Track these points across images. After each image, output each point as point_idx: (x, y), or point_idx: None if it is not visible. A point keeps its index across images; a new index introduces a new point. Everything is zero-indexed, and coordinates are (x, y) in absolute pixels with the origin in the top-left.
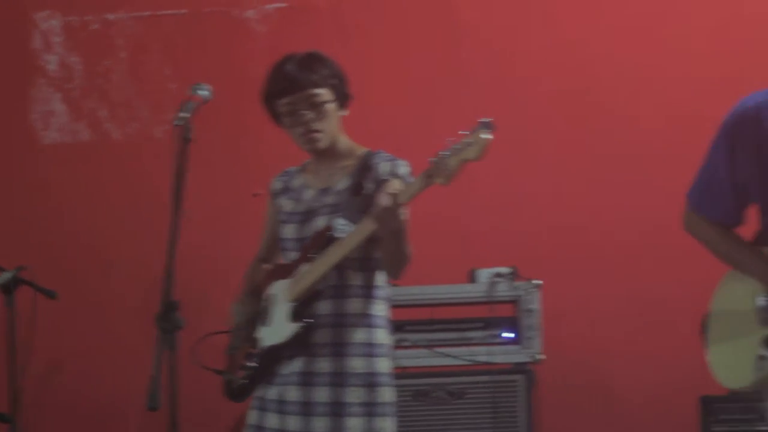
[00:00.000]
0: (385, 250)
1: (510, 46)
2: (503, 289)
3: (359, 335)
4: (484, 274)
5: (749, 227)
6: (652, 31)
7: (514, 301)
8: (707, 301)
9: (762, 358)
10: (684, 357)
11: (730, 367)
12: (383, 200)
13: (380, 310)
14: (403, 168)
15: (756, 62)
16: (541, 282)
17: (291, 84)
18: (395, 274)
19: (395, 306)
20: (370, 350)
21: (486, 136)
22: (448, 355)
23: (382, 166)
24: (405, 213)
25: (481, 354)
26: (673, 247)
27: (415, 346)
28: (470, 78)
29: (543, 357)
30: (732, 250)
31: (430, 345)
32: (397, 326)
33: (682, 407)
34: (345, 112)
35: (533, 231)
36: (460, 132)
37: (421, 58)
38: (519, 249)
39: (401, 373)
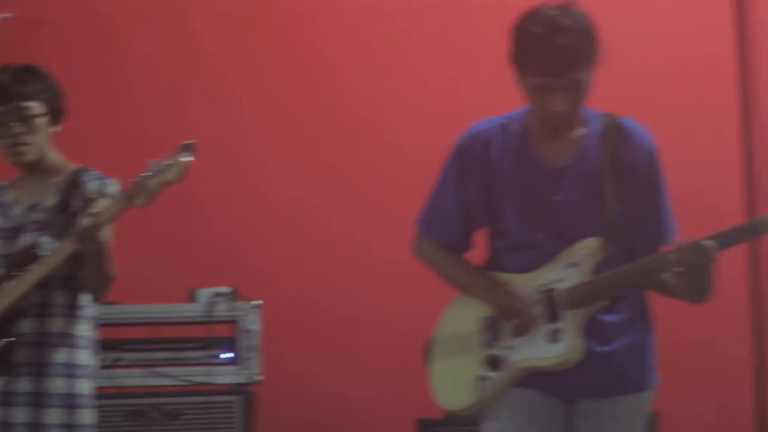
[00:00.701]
0: (88, 270)
1: (243, 64)
2: (222, 309)
3: (60, 355)
4: (204, 293)
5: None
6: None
7: (233, 322)
8: (428, 323)
9: (482, 378)
10: (402, 379)
11: (451, 388)
12: (83, 220)
13: (84, 330)
14: (112, 187)
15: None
16: (260, 302)
17: (1, 95)
18: (98, 295)
19: (114, 325)
20: (71, 371)
21: (186, 158)
22: (165, 375)
23: (91, 185)
24: (106, 234)
25: (199, 374)
26: (394, 268)
27: (131, 365)
28: (199, 95)
29: (261, 378)
30: (459, 274)
31: (147, 364)
32: (114, 345)
33: (400, 429)
34: (57, 128)
35: (253, 251)
36: (165, 154)
37: (151, 75)
38: (239, 269)
39: (117, 393)
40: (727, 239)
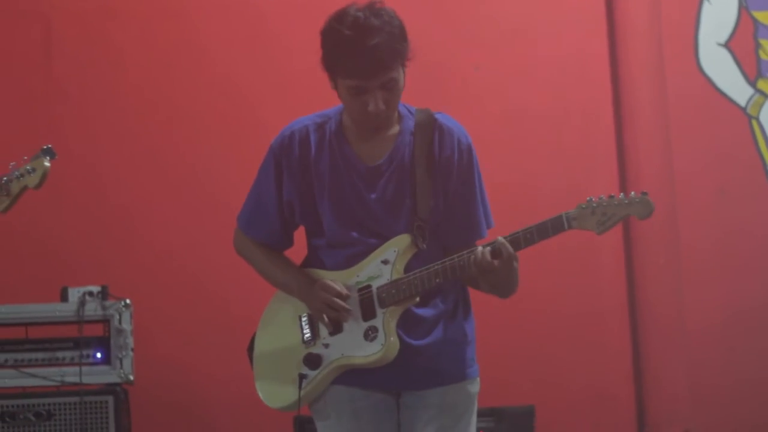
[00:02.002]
0: None
1: (105, 60)
2: (93, 308)
3: None
4: (76, 292)
5: None
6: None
7: (104, 321)
8: None
9: (302, 376)
10: None
11: (274, 386)
12: None
13: None
14: None
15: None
16: (130, 301)
17: None
18: None
19: None
20: None
21: (46, 164)
22: (35, 376)
23: None
24: None
25: (71, 374)
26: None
27: (2, 366)
28: (64, 91)
29: (133, 378)
30: (277, 272)
31: (17, 365)
32: None
33: (278, 425)
34: None
35: (125, 249)
36: (24, 158)
37: (14, 71)
38: (110, 267)
39: None
40: (529, 236)
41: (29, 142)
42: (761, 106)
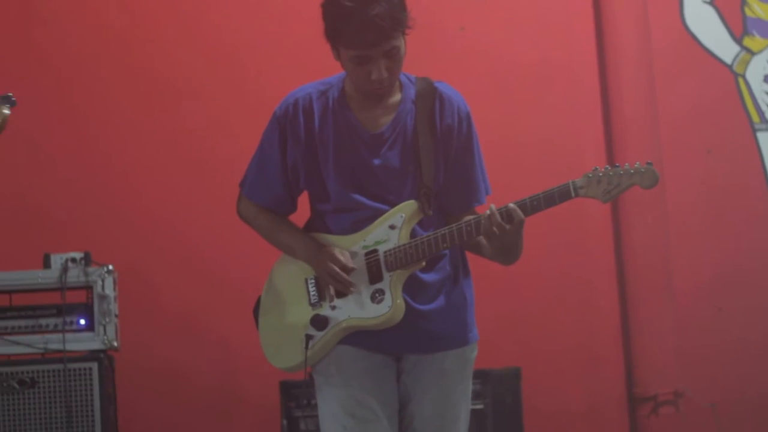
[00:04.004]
0: None
1: (88, 22)
2: (76, 275)
3: None
4: (58, 259)
5: None
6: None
7: (87, 287)
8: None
9: (309, 337)
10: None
11: (280, 346)
12: None
13: None
14: None
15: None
16: (112, 267)
17: None
18: None
19: None
20: None
21: (6, 111)
22: (19, 343)
23: None
24: None
25: (55, 342)
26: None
27: None
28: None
29: (117, 344)
30: (283, 236)
31: (1, 333)
32: None
33: (262, 391)
34: None
35: (107, 215)
36: None
37: None
38: (93, 233)
39: None
40: (536, 203)
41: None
42: (747, 63)
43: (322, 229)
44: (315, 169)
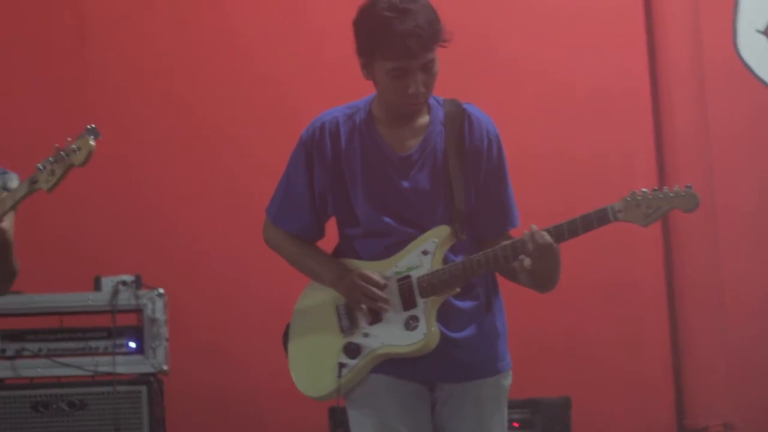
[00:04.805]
0: None
1: (138, 47)
2: (126, 298)
3: None
4: (109, 282)
5: None
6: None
7: (138, 310)
8: None
9: (341, 365)
10: None
11: (311, 375)
12: None
13: None
14: (14, 182)
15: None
16: (163, 291)
17: None
18: (2, 289)
19: (17, 315)
20: None
21: (92, 143)
22: (69, 365)
23: None
24: (8, 224)
25: (105, 364)
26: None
27: (35, 356)
28: (99, 80)
29: (167, 368)
30: (311, 263)
31: (50, 354)
32: (17, 336)
33: (313, 416)
34: None
35: (158, 239)
36: (68, 138)
37: (49, 59)
38: (144, 257)
39: (21, 384)
40: (573, 228)
41: (64, 128)
42: None
43: (350, 254)
44: (343, 193)
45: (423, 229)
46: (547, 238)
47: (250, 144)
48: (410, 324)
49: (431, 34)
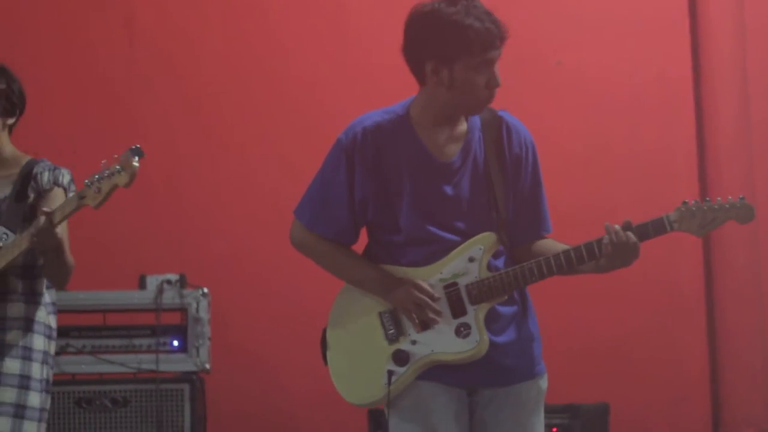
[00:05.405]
0: (47, 262)
1: (185, 51)
2: (171, 297)
3: (17, 339)
4: (154, 280)
5: None
6: None
7: (182, 309)
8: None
9: (390, 372)
10: None
11: (358, 382)
12: (38, 221)
13: (41, 316)
14: (65, 177)
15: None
16: (208, 290)
17: None
18: (59, 284)
19: (63, 311)
20: (27, 354)
21: (135, 164)
22: (113, 362)
23: (45, 176)
24: (61, 230)
25: (148, 362)
26: None
27: (80, 352)
28: (146, 83)
29: (210, 366)
30: (351, 268)
31: (94, 351)
32: (63, 332)
33: (353, 418)
34: (11, 121)
35: (202, 239)
36: (114, 156)
37: (97, 62)
38: (188, 256)
39: (65, 380)
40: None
41: (112, 132)
42: None
43: (387, 260)
44: (386, 200)
45: (465, 237)
46: (632, 237)
47: (297, 148)
48: (461, 331)
49: (504, 26)
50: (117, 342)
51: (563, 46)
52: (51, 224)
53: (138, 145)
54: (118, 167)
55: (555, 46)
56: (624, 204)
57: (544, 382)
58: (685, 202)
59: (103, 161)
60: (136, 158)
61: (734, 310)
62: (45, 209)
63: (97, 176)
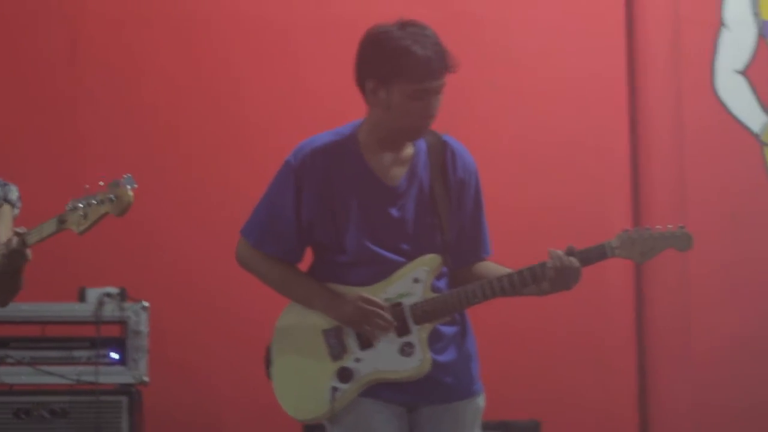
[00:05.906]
0: (2, 281)
1: (129, 65)
2: (111, 310)
3: None
4: (94, 293)
5: None
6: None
7: (122, 322)
8: None
9: (334, 389)
10: None
11: (301, 399)
12: (11, 242)
13: None
14: (14, 193)
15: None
16: (148, 304)
17: None
18: (4, 303)
19: (3, 322)
20: None
21: (130, 194)
22: (51, 374)
23: None
24: (29, 253)
25: (87, 374)
26: None
27: (19, 363)
28: (89, 99)
29: (148, 379)
30: (297, 286)
31: (33, 362)
32: (2, 342)
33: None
34: None
35: (142, 252)
36: (100, 182)
37: (41, 79)
38: (127, 270)
39: (3, 390)
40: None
41: (53, 143)
42: None
43: (333, 279)
44: (332, 221)
45: (410, 258)
46: (575, 263)
47: (237, 160)
48: (405, 350)
49: (449, 58)
50: (56, 354)
51: (498, 70)
52: (23, 245)
53: (130, 175)
54: (110, 196)
55: (490, 70)
56: (559, 224)
57: (481, 400)
58: (626, 230)
59: (86, 186)
60: (130, 188)
61: (663, 331)
62: (18, 230)
63: (82, 202)
